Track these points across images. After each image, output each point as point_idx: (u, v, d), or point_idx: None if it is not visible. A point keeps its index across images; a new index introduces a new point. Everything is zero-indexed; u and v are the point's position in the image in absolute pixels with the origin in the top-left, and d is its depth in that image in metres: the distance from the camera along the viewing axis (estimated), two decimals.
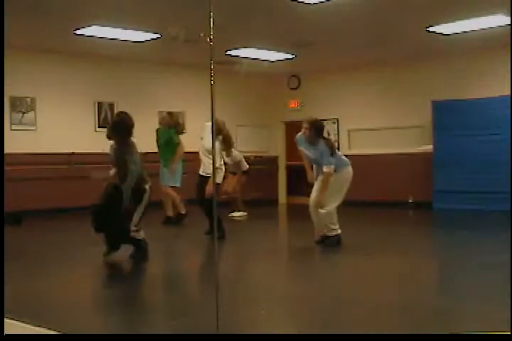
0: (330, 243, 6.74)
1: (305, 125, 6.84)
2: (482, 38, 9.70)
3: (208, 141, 7.22)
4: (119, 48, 10.28)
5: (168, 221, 9.01)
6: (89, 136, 11.19)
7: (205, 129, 7.32)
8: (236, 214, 10.28)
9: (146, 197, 5.90)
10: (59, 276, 5.52)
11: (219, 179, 7.27)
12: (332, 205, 6.74)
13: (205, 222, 7.47)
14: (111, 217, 5.83)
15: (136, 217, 5.90)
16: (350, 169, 6.83)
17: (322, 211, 6.73)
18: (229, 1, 7.37)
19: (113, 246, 5.99)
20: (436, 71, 11.54)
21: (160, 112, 12.00)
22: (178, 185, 8.97)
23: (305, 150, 6.91)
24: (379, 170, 12.06)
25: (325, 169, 6.65)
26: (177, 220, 9.03)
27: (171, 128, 9.09)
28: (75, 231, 8.82)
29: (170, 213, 9.09)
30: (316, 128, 6.82)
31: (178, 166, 8.99)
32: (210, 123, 7.27)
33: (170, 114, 9.32)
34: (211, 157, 7.12)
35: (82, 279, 5.44)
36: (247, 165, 10.19)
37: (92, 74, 11.27)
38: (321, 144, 6.72)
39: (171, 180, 8.94)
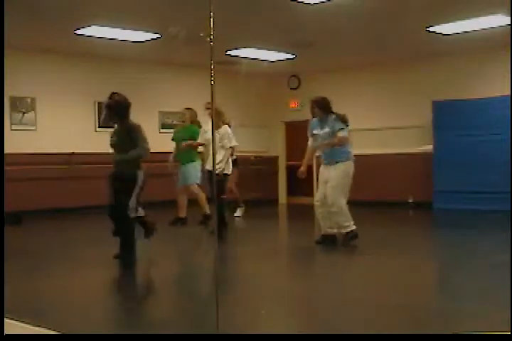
0: (348, 239, 6.70)
1: (311, 105, 6.89)
2: (482, 38, 9.70)
3: (219, 137, 7.39)
4: (119, 48, 10.28)
5: (175, 222, 8.80)
6: (90, 136, 11.19)
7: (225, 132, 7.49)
8: (237, 213, 10.19)
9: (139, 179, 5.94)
10: (59, 276, 5.52)
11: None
12: (342, 201, 6.70)
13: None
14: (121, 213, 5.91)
15: (132, 198, 5.91)
16: (352, 164, 6.85)
17: (334, 209, 6.69)
18: (229, 1, 7.37)
19: (127, 249, 6.01)
20: (436, 71, 11.54)
21: (160, 112, 12.04)
22: (198, 181, 8.66)
23: (315, 134, 6.87)
24: (379, 170, 12.06)
25: (340, 134, 6.69)
26: (202, 222, 8.68)
27: (193, 123, 8.93)
28: (75, 231, 8.83)
29: (182, 214, 8.85)
30: (320, 103, 6.83)
31: (198, 162, 8.75)
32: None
33: (190, 109, 9.01)
34: (223, 152, 7.47)
35: (82, 279, 5.43)
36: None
37: (92, 74, 11.27)
38: (332, 118, 6.75)
39: (192, 177, 8.68)
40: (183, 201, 8.86)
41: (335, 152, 6.80)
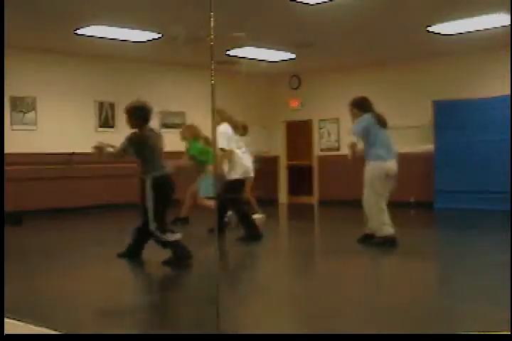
0: (374, 243, 6.64)
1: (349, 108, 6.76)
2: (482, 38, 9.70)
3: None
4: (120, 48, 10.29)
5: (175, 220, 8.75)
6: (90, 135, 11.17)
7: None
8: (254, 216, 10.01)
9: (147, 189, 5.70)
10: (59, 276, 5.52)
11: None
12: (370, 202, 6.58)
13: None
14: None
15: (150, 214, 5.69)
16: (377, 165, 6.60)
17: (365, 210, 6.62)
18: (229, 1, 7.38)
19: (131, 252, 5.98)
20: (437, 71, 11.54)
21: (161, 112, 12.02)
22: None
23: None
24: None
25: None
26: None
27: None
28: (75, 231, 8.83)
29: (182, 214, 8.85)
30: (356, 104, 6.76)
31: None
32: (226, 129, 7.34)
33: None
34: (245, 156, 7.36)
35: (82, 279, 5.44)
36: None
37: (93, 74, 11.28)
38: (363, 117, 6.63)
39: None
40: (187, 201, 8.89)
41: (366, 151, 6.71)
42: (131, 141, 5.79)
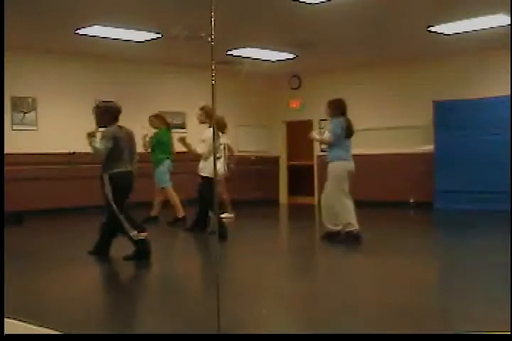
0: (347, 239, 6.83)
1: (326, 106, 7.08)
2: (483, 38, 9.70)
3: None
4: (120, 48, 10.29)
5: (175, 222, 8.84)
6: None
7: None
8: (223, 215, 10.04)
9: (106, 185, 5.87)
10: (59, 276, 5.52)
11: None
12: (332, 201, 6.89)
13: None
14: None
15: (114, 207, 5.88)
16: (340, 164, 6.93)
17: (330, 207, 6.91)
18: (230, 1, 7.38)
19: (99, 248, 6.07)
20: (437, 71, 11.54)
21: (161, 112, 11.99)
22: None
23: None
24: (379, 170, 12.05)
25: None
26: (170, 224, 8.85)
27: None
28: (75, 231, 8.83)
29: (180, 214, 8.91)
30: (333, 105, 7.01)
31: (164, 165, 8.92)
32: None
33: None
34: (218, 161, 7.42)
35: (82, 279, 5.44)
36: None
37: (93, 74, 11.27)
38: (334, 121, 6.94)
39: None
40: (173, 200, 9.06)
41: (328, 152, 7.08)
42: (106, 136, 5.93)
